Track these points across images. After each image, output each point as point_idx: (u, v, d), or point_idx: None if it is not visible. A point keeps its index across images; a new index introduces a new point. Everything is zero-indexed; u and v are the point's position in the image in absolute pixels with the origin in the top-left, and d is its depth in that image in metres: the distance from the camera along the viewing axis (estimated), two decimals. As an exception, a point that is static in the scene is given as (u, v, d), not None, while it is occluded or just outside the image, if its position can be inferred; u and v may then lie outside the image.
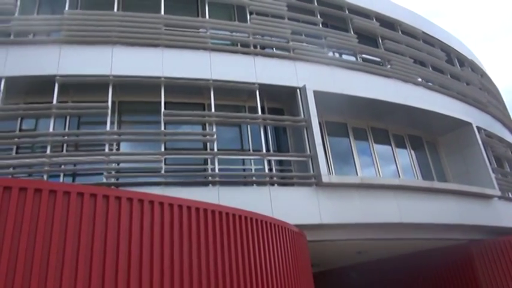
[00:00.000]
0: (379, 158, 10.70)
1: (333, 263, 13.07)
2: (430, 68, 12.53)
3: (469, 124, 11.78)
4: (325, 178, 8.28)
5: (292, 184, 8.55)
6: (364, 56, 11.20)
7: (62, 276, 3.35)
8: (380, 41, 11.81)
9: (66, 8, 8.88)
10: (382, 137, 11.09)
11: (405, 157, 11.37)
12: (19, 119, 8.21)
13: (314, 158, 8.55)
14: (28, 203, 3.40)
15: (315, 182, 8.38)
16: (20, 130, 8.16)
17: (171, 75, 8.47)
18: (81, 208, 3.67)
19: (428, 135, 12.26)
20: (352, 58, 11.01)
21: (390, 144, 11.14)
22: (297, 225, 7.18)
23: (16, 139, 7.78)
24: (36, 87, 8.20)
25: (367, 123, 10.88)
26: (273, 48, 10.03)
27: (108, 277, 3.57)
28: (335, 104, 9.73)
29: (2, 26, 8.54)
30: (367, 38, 11.69)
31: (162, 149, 7.90)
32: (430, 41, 13.40)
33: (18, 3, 8.89)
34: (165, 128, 8.15)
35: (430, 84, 11.97)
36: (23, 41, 8.41)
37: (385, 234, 9.16)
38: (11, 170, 7.35)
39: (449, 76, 13.00)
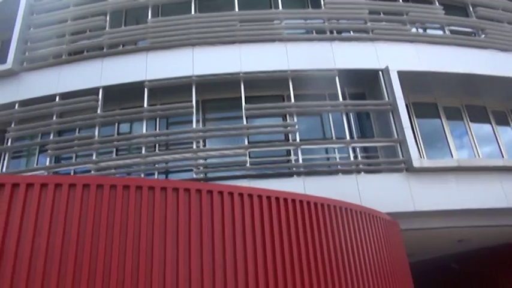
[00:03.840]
0: (477, 138, 9.74)
1: (429, 252, 12.27)
2: (534, 33, 11.05)
3: None
4: (416, 163, 7.78)
5: (380, 171, 8.17)
6: (452, 28, 10.25)
7: (165, 268, 3.58)
8: (471, 9, 10.71)
9: (149, 17, 9.47)
10: (479, 115, 10.07)
11: (508, 135, 10.21)
12: (116, 124, 8.99)
13: (403, 142, 8.07)
14: (131, 199, 3.69)
15: (405, 167, 7.92)
16: (118, 134, 8.92)
17: (249, 70, 8.60)
18: (177, 203, 3.88)
19: (535, 108, 10.88)
20: (439, 32, 10.14)
21: (489, 122, 10.08)
22: (388, 214, 6.84)
23: (115, 142, 8.52)
24: (129, 94, 8.90)
25: (460, 101, 9.96)
26: (350, 32, 9.64)
27: (206, 271, 3.73)
28: (422, 83, 9.08)
29: (96, 41, 9.40)
30: (454, 8, 10.68)
31: (246, 143, 8.07)
32: (531, 2, 11.81)
33: (108, 18, 9.70)
34: (247, 122, 8.31)
35: (534, 51, 10.57)
36: (115, 52, 9.15)
37: (490, 221, 8.33)
38: (112, 170, 8.08)
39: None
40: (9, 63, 9.33)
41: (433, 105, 9.76)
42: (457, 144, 9.55)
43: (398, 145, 8.20)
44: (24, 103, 9.01)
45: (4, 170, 8.72)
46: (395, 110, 8.36)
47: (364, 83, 9.28)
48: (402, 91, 8.43)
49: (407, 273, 6.65)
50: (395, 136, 8.24)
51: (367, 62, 8.91)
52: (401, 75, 8.56)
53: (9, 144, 8.82)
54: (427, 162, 8.10)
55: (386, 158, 8.46)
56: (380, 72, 8.80)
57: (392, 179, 7.83)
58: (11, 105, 9.04)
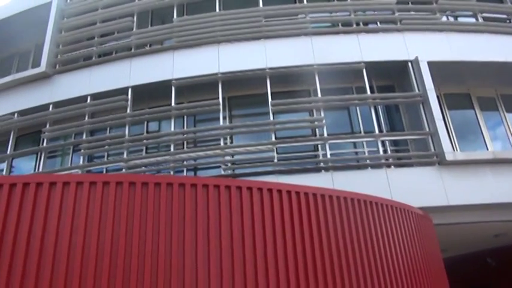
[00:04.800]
0: (514, 129, 9.35)
1: (464, 247, 11.91)
2: None
3: None
4: (449, 156, 7.55)
5: (411, 165, 7.98)
6: (485, 15, 9.85)
7: (196, 264, 3.63)
8: (505, -6, 10.26)
9: (175, 16, 9.59)
10: (516, 105, 9.66)
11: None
12: (145, 123, 9.17)
13: (434, 135, 7.85)
14: (162, 196, 3.76)
15: (437, 160, 7.70)
16: (147, 132, 9.10)
17: (274, 65, 8.57)
18: (207, 199, 3.92)
19: None
20: (471, 19, 9.76)
21: (527, 112, 9.65)
22: (420, 208, 6.67)
23: (144, 140, 8.70)
24: (157, 93, 9.06)
25: (495, 90, 9.57)
26: (377, 23, 9.43)
27: (237, 267, 3.76)
28: (454, 73, 8.79)
29: (124, 42, 9.61)
30: (487, -6, 10.26)
31: (273, 139, 8.06)
32: None
33: (135, 19, 9.89)
34: (273, 118, 8.29)
35: None
36: (142, 52, 9.33)
37: (530, 215, 8.00)
38: (143, 168, 8.26)
39: None
40: (43, 66, 9.68)
41: (466, 96, 9.42)
42: (492, 135, 9.19)
43: (429, 138, 7.98)
44: (57, 104, 9.33)
45: (40, 169, 9.07)
46: (426, 101, 8.13)
47: (393, 75, 9.07)
48: (433, 82, 8.19)
49: (441, 269, 6.47)
50: (427, 129, 8.02)
51: (396, 54, 8.70)
52: (432, 65, 8.32)
53: (44, 144, 9.16)
54: (460, 155, 7.85)
55: (418, 152, 8.24)
56: (409, 64, 8.58)
57: (424, 173, 7.64)
58: (46, 107, 9.39)
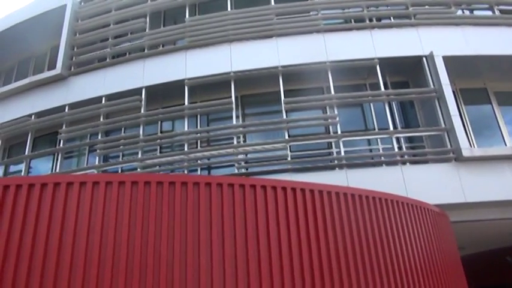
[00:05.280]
0: (533, 124, 9.13)
1: (482, 245, 11.69)
2: None
3: None
4: (466, 152, 7.42)
5: (426, 161, 7.87)
6: (502, 7, 9.63)
7: (212, 262, 3.65)
8: (522, -14, 10.01)
9: (187, 16, 9.63)
10: (534, 99, 9.44)
11: None
12: (159, 123, 9.25)
13: (450, 130, 7.72)
14: (177, 195, 3.79)
15: (453, 157, 7.58)
16: (161, 132, 9.17)
17: (287, 63, 8.54)
18: (222, 197, 3.94)
19: None
20: (488, 12, 9.56)
21: (547, 106, 9.41)
22: (436, 206, 6.58)
23: (158, 140, 8.77)
24: (170, 92, 9.12)
25: (514, 84, 9.37)
26: (390, 18, 9.31)
27: (252, 266, 3.76)
28: (470, 68, 8.63)
29: (138, 43, 9.70)
30: (504, -14, 10.02)
31: (286, 137, 8.04)
32: None
33: (148, 19, 9.97)
34: (286, 116, 8.26)
35: None
36: (155, 52, 9.40)
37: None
38: (157, 168, 8.32)
39: None
40: (58, 68, 9.84)
41: (483, 91, 9.23)
42: (510, 130, 9.00)
43: (445, 134, 7.85)
44: (73, 106, 9.48)
45: (57, 170, 9.23)
46: (441, 97, 8.00)
47: (407, 71, 8.95)
48: (448, 77, 8.06)
49: (458, 267, 6.38)
50: (443, 125, 7.90)
51: (410, 49, 8.58)
52: (447, 60, 8.18)
53: (61, 145, 9.31)
54: (477, 151, 7.70)
55: (433, 148, 8.12)
56: (424, 59, 8.45)
57: (440, 170, 7.52)
58: (62, 108, 9.54)
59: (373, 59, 8.44)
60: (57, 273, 3.33)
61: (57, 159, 9.40)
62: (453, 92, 8.12)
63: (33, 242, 3.42)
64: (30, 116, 9.85)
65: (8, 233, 3.42)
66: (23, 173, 9.50)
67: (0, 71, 12.72)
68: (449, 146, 7.70)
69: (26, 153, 9.61)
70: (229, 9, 9.55)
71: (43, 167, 10.03)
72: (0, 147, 10.12)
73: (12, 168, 10.50)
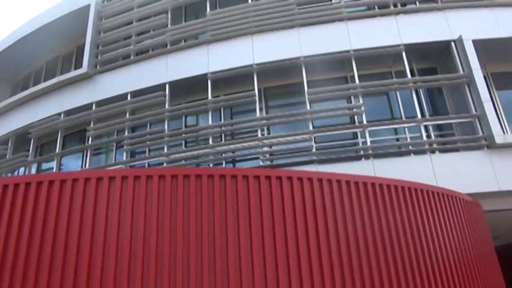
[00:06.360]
0: None
1: (517, 235, 11.30)
2: None
3: None
4: (499, 139, 7.15)
5: (456, 149, 7.63)
6: (535, -14, 9.17)
7: (240, 255, 3.65)
8: (557, -38, 9.49)
9: (208, 10, 9.64)
10: None
11: None
12: (183, 117, 9.33)
13: (482, 117, 7.45)
14: (204, 188, 3.80)
15: (485, 144, 7.32)
16: (185, 126, 9.26)
17: (309, 53, 8.43)
18: (248, 190, 3.93)
19: None
20: (520, -8, 9.12)
21: None
22: (468, 195, 6.38)
23: (183, 135, 8.86)
24: (193, 87, 9.18)
25: (549, 67, 8.94)
26: (416, 3, 9.02)
27: (280, 257, 3.75)
28: (502, 51, 8.29)
29: (160, 39, 9.79)
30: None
31: (311, 128, 7.96)
32: None
33: (169, 15, 10.04)
34: (310, 107, 8.17)
35: None
36: (177, 48, 9.47)
37: None
38: (183, 162, 8.42)
39: None
40: (85, 67, 10.07)
41: (516, 74, 8.87)
42: (546, 115, 8.60)
43: (477, 121, 7.59)
44: (100, 103, 9.68)
45: (87, 166, 9.48)
46: (471, 82, 7.73)
47: (435, 57, 8.68)
48: (479, 61, 7.77)
49: (493, 257, 6.17)
50: (473, 111, 7.63)
51: (437, 34, 8.30)
52: (477, 44, 7.88)
53: (89, 142, 9.55)
54: (511, 137, 7.40)
55: (464, 136, 7.87)
56: (452, 43, 8.17)
57: (471, 158, 7.28)
58: (89, 106, 9.77)
59: (398, 45, 8.22)
60: (90, 266, 3.41)
61: (86, 156, 9.64)
62: (484, 76, 7.84)
63: (67, 236, 3.51)
64: (59, 114, 10.14)
65: (43, 228, 3.52)
66: (54, 170, 9.80)
67: (30, 71, 13.13)
68: (480, 133, 7.45)
69: (57, 150, 9.90)
70: (249, 1, 9.49)
71: (73, 164, 10.32)
72: (33, 145, 10.47)
73: (44, 166, 10.86)
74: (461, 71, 7.93)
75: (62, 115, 10.10)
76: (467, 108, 7.80)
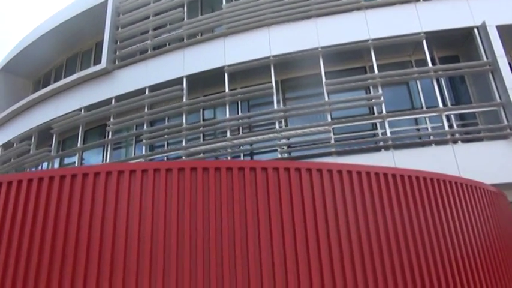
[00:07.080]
0: None
1: (543, 227, 10.97)
2: None
3: None
4: (525, 127, 6.92)
5: (480, 139, 7.43)
6: None
7: (260, 246, 3.66)
8: None
9: (223, 3, 9.60)
10: None
11: None
12: (201, 111, 9.37)
13: (507, 105, 7.23)
14: (223, 180, 3.81)
15: (511, 133, 7.09)
16: (203, 120, 9.30)
17: (327, 43, 8.32)
18: (267, 182, 3.92)
19: None
20: (546, -25, 8.75)
21: None
22: (493, 185, 6.21)
23: (201, 128, 8.89)
24: (210, 80, 9.19)
25: None
26: (436, -11, 8.76)
27: (300, 250, 3.74)
28: (528, 36, 7.98)
29: (177, 33, 9.81)
30: None
31: (329, 119, 7.87)
32: None
33: (186, 9, 10.05)
34: (328, 98, 8.08)
35: None
36: (194, 41, 9.48)
37: None
38: (201, 155, 8.46)
39: None
40: (103, 63, 10.19)
41: (543, 61, 8.54)
42: None
43: (501, 109, 7.36)
44: (119, 98, 9.81)
45: (108, 160, 9.64)
46: (496, 70, 7.49)
47: (457, 44, 8.44)
48: (504, 48, 7.53)
49: (519, 249, 6.01)
50: (498, 99, 7.40)
51: (459, 20, 8.06)
52: (502, 30, 7.62)
53: (110, 136, 9.70)
54: (538, 126, 7.17)
55: (488, 125, 7.65)
56: (475, 30, 7.93)
57: (496, 147, 7.09)
58: (108, 101, 9.91)
59: (419, 33, 8.02)
60: (113, 259, 3.47)
61: (106, 151, 9.80)
62: (509, 64, 7.57)
63: (90, 230, 3.58)
64: (80, 110, 10.32)
65: (67, 221, 3.60)
66: (76, 165, 10.00)
67: (51, 68, 13.40)
68: (505, 122, 7.22)
69: (78, 145, 10.09)
70: (265, -8, 9.39)
71: (94, 158, 10.51)
72: (55, 141, 10.70)
73: (66, 161, 11.10)
74: (485, 58, 7.69)
75: (83, 110, 10.28)
76: (491, 97, 7.57)
